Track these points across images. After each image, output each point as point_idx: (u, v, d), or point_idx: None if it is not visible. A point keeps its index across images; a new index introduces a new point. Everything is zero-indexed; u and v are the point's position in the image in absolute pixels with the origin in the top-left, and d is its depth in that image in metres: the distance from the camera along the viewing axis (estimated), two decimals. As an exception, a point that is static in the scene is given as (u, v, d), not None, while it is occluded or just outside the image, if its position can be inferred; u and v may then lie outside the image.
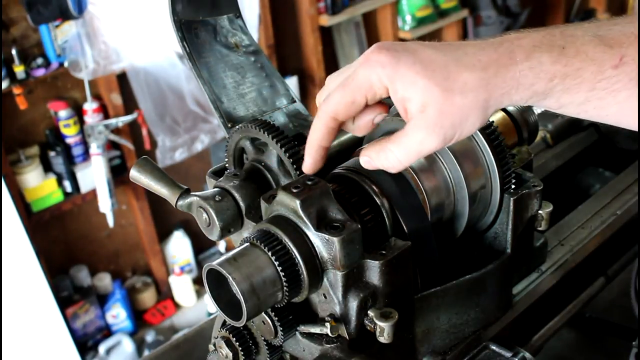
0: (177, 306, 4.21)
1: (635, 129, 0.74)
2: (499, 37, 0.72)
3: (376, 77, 0.71)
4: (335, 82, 0.77)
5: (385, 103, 0.76)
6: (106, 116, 3.54)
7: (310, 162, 0.79)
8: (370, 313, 0.78)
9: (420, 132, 0.70)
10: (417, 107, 0.69)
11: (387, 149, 0.74)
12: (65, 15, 3.05)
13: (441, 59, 0.69)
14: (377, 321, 0.77)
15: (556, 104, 0.72)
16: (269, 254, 0.75)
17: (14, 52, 3.15)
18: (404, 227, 0.84)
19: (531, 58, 0.69)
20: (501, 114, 1.03)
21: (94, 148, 3.42)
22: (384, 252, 0.79)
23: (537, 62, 0.69)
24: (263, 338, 0.86)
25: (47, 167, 3.46)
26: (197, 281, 4.21)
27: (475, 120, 0.71)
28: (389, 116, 0.96)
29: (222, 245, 4.13)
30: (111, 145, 3.60)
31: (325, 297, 0.79)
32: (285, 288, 0.76)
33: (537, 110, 1.41)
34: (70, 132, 3.45)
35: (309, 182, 0.78)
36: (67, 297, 3.72)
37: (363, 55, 0.73)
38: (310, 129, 0.77)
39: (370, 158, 0.77)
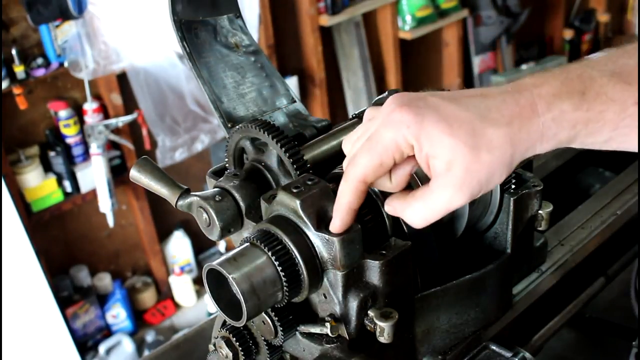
0: (177, 306, 4.21)
1: None
2: (517, 84, 0.71)
3: (402, 137, 0.70)
4: (355, 144, 0.75)
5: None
6: (106, 116, 3.54)
7: (340, 224, 0.76)
8: (370, 313, 0.78)
9: (447, 190, 0.70)
10: (443, 165, 0.69)
11: (412, 205, 0.73)
12: (65, 15, 3.05)
13: (465, 115, 0.69)
14: (377, 321, 0.77)
15: (580, 145, 0.72)
16: (269, 254, 0.75)
17: (14, 52, 3.15)
18: (404, 227, 0.84)
19: (553, 109, 0.68)
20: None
21: (94, 148, 3.42)
22: (384, 252, 0.79)
23: (559, 111, 0.68)
24: (263, 338, 0.86)
25: (47, 167, 3.46)
26: (197, 281, 4.21)
27: (500, 175, 0.70)
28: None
29: (222, 245, 4.13)
30: (111, 145, 3.60)
31: (325, 297, 0.79)
32: (285, 288, 0.76)
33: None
34: (70, 132, 3.45)
35: (309, 182, 0.78)
36: (67, 297, 3.72)
37: (384, 112, 0.72)
38: (339, 191, 0.75)
39: (395, 209, 0.76)
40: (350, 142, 0.77)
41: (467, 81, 5.00)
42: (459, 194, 0.69)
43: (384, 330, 0.77)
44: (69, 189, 3.52)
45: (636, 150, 0.73)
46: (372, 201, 0.84)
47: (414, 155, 0.72)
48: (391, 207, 0.77)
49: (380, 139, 0.71)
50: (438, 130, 0.68)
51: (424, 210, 0.72)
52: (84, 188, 3.55)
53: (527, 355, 0.90)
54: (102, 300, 3.90)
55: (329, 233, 0.75)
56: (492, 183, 0.71)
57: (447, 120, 0.68)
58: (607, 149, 0.74)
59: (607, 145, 0.72)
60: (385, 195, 0.81)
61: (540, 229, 0.97)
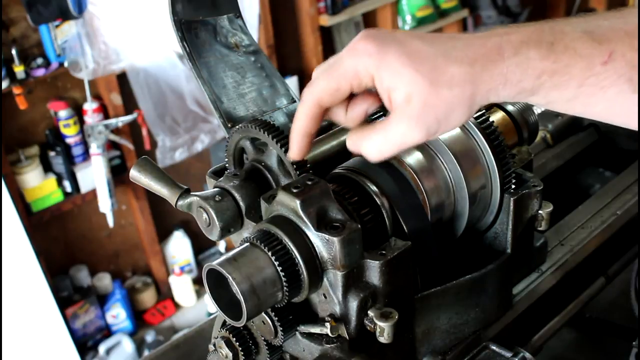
0: (177, 306, 4.21)
1: (624, 126, 0.73)
2: (489, 32, 0.71)
3: (362, 65, 0.70)
4: (318, 70, 0.76)
5: (377, 94, 0.75)
6: (106, 116, 3.54)
7: (296, 149, 0.78)
8: (370, 313, 0.78)
9: (403, 123, 0.70)
10: (402, 97, 0.69)
11: (370, 137, 0.73)
12: (65, 15, 3.05)
13: (429, 50, 0.69)
14: (377, 321, 0.77)
15: (544, 100, 0.72)
16: (269, 254, 0.75)
17: (14, 52, 3.15)
18: (404, 227, 0.84)
19: (519, 54, 0.68)
20: (501, 114, 1.03)
21: (94, 148, 3.42)
22: (384, 252, 0.79)
23: (525, 58, 0.68)
24: (263, 338, 0.86)
25: (47, 167, 3.46)
26: (197, 281, 4.21)
27: (460, 114, 0.70)
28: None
29: (222, 245, 4.13)
30: (111, 145, 3.61)
31: (325, 297, 0.79)
32: (285, 288, 0.76)
33: (537, 110, 1.41)
34: (70, 132, 3.45)
35: (309, 182, 0.78)
36: (67, 297, 3.72)
37: (350, 43, 0.72)
38: (295, 115, 0.76)
39: (354, 142, 0.76)
40: (317, 71, 0.76)
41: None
42: (415, 128, 0.69)
43: (384, 330, 0.77)
44: (68, 189, 3.52)
45: (599, 118, 0.73)
46: (372, 201, 0.84)
47: (373, 94, 0.73)
48: (351, 141, 0.76)
49: (340, 65, 0.71)
50: (399, 63, 0.68)
51: (380, 143, 0.72)
52: (84, 188, 3.55)
53: (527, 355, 0.90)
54: (102, 300, 3.90)
55: (329, 233, 0.75)
56: (451, 122, 0.70)
57: (410, 54, 0.68)
58: (571, 113, 0.73)
59: (571, 105, 0.71)
60: (386, 193, 0.81)
61: (540, 229, 0.97)
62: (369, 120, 0.78)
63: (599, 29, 0.69)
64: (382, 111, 0.80)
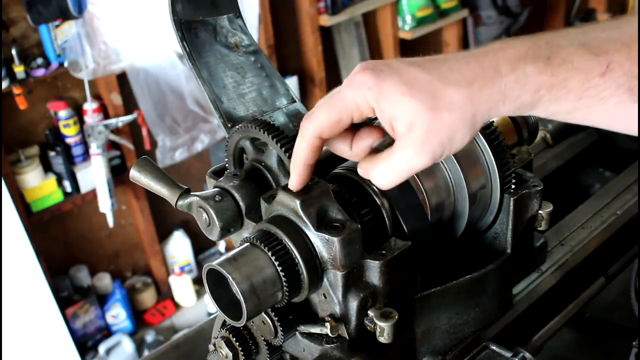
0: (177, 306, 4.21)
1: (625, 132, 0.74)
2: (484, 48, 0.71)
3: (362, 97, 0.70)
4: (318, 103, 0.76)
5: (381, 127, 0.76)
6: (106, 116, 3.54)
7: (297, 181, 0.78)
8: (370, 313, 0.78)
9: (409, 151, 0.70)
10: (404, 126, 0.69)
11: (378, 167, 0.74)
12: (65, 15, 3.05)
13: (426, 77, 0.69)
14: (377, 321, 0.77)
15: (544, 113, 0.72)
16: (269, 254, 0.75)
17: (13, 52, 3.15)
18: (404, 227, 0.84)
19: (516, 70, 0.68)
20: (501, 114, 1.02)
21: (94, 148, 3.42)
22: (384, 252, 0.79)
23: (523, 73, 0.68)
24: (263, 338, 0.86)
25: (47, 167, 3.46)
26: (197, 281, 4.21)
27: (463, 136, 0.71)
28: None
29: (222, 245, 4.13)
30: (111, 145, 3.60)
31: (325, 297, 0.79)
32: (285, 288, 0.76)
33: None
34: (70, 132, 3.45)
35: (309, 182, 0.78)
36: (67, 297, 3.72)
37: (349, 75, 0.73)
38: (294, 147, 0.77)
39: (364, 170, 0.77)
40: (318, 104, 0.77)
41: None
42: (421, 155, 0.70)
43: (384, 330, 0.77)
44: (68, 189, 3.52)
45: (600, 126, 0.74)
46: (372, 201, 0.84)
47: (376, 128, 0.74)
48: (362, 170, 0.77)
49: (340, 97, 0.72)
50: (398, 92, 0.69)
51: (388, 171, 0.73)
52: (84, 188, 3.55)
53: (527, 355, 0.90)
54: (102, 300, 3.90)
55: (329, 233, 0.75)
56: (455, 143, 0.71)
57: (407, 83, 0.69)
58: (573, 122, 0.74)
59: (572, 116, 0.72)
60: (386, 193, 0.80)
61: (540, 229, 0.97)
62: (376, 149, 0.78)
63: (596, 41, 0.69)
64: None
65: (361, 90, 0.70)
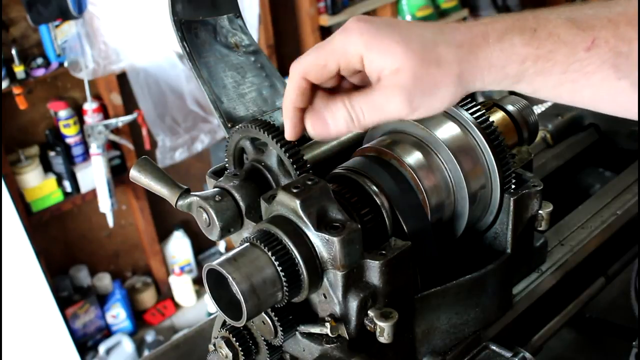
0: (177, 306, 4.21)
1: (613, 113, 0.74)
2: (475, 21, 0.73)
3: (352, 45, 0.71)
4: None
5: None
6: (106, 116, 3.54)
7: (290, 126, 0.78)
8: (370, 313, 0.78)
9: (388, 90, 0.70)
10: (390, 71, 0.70)
11: (354, 100, 0.73)
12: (65, 15, 3.05)
13: (419, 32, 0.71)
14: (377, 321, 0.77)
15: (529, 87, 0.73)
16: (269, 254, 0.75)
17: (13, 52, 3.15)
18: (404, 227, 0.84)
19: (503, 40, 0.70)
20: (501, 114, 1.03)
21: (94, 148, 3.42)
22: (384, 252, 0.79)
23: (509, 44, 0.69)
24: (263, 338, 0.86)
25: (47, 167, 3.46)
26: (197, 281, 4.21)
27: (446, 93, 0.71)
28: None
29: (222, 245, 4.13)
30: (111, 145, 3.61)
31: (325, 297, 0.79)
32: (285, 288, 0.76)
33: (537, 110, 1.41)
34: (70, 132, 3.45)
35: (309, 182, 0.78)
36: (67, 297, 3.72)
37: (342, 26, 0.73)
38: (284, 94, 0.78)
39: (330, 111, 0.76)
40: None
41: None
42: (399, 97, 0.70)
43: (384, 330, 0.77)
44: (68, 189, 3.52)
45: (587, 106, 0.74)
46: (372, 201, 0.84)
47: None
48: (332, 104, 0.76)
49: (330, 41, 0.73)
50: (391, 41, 0.69)
51: (362, 106, 0.73)
52: (84, 188, 3.55)
53: (527, 355, 0.90)
54: (102, 300, 3.90)
55: (329, 233, 0.75)
56: (437, 99, 0.71)
57: (401, 34, 0.70)
58: (559, 101, 0.75)
59: (557, 92, 0.72)
60: (386, 193, 0.80)
61: (540, 229, 0.97)
62: None
63: (583, 17, 0.70)
64: None
65: (352, 36, 0.71)
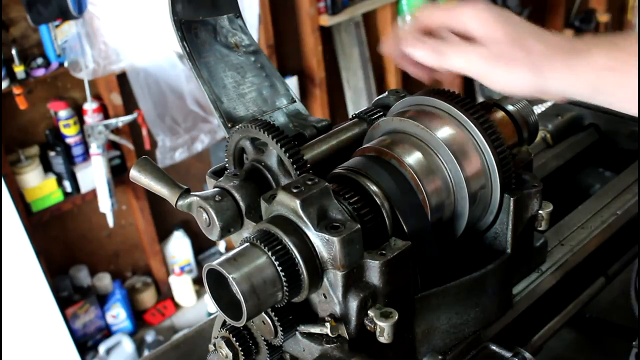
0: (177, 306, 4.21)
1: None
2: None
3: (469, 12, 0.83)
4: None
5: None
6: (106, 116, 3.54)
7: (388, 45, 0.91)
8: (370, 313, 0.78)
9: (482, 49, 0.81)
10: (482, 36, 0.82)
11: (456, 45, 0.84)
12: (65, 15, 3.05)
13: (518, 25, 0.81)
14: (377, 321, 0.77)
15: (608, 99, 0.79)
16: (269, 254, 0.75)
17: (13, 52, 3.15)
18: (404, 227, 0.84)
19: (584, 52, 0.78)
20: (501, 114, 1.03)
21: (94, 148, 3.42)
22: (384, 252, 0.79)
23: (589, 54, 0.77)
24: (263, 338, 0.86)
25: (47, 167, 3.46)
26: (197, 281, 4.21)
27: (523, 77, 0.80)
28: (388, 116, 0.97)
29: (222, 245, 4.13)
30: (111, 145, 3.60)
31: (325, 297, 0.79)
32: (285, 288, 0.76)
33: (537, 110, 1.41)
34: (70, 132, 3.45)
35: (309, 182, 0.78)
36: (67, 297, 3.72)
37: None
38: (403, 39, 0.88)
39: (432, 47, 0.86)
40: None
41: (467, 81, 4.99)
42: (489, 60, 0.81)
43: (384, 330, 0.77)
44: (68, 189, 3.52)
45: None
46: (372, 201, 0.84)
47: None
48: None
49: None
50: (491, 16, 0.82)
51: (461, 56, 0.83)
52: (84, 188, 3.55)
53: (527, 355, 0.90)
54: (102, 300, 3.90)
55: (329, 233, 0.75)
56: (513, 78, 0.81)
57: (504, 18, 0.82)
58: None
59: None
60: (386, 193, 0.81)
61: (540, 229, 0.97)
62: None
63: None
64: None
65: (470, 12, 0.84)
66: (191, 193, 0.88)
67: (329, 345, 0.80)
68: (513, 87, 0.81)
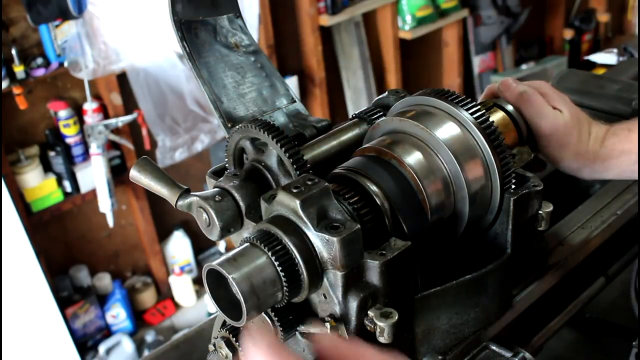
0: (177, 306, 4.21)
1: None
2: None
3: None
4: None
5: None
6: (106, 116, 3.54)
7: None
8: (370, 313, 0.78)
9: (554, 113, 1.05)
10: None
11: (536, 100, 1.04)
12: (65, 15, 3.05)
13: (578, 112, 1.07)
14: (377, 321, 0.77)
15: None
16: (269, 254, 0.75)
17: (13, 52, 3.15)
18: (404, 227, 0.84)
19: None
20: (501, 114, 1.03)
21: (94, 148, 3.42)
22: (384, 252, 0.79)
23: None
24: (263, 338, 0.86)
25: (47, 167, 3.46)
26: (197, 281, 4.21)
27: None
28: (388, 116, 0.97)
29: (222, 245, 4.13)
30: (111, 145, 3.61)
31: (325, 297, 0.79)
32: (285, 288, 0.76)
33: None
34: (70, 132, 3.45)
35: (309, 182, 0.78)
36: (67, 297, 3.72)
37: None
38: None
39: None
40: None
41: (467, 81, 5.00)
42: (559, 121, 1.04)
43: (384, 330, 0.77)
44: (68, 189, 3.52)
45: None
46: (372, 201, 0.84)
47: None
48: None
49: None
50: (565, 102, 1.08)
51: (536, 104, 1.04)
52: (84, 188, 3.55)
53: (527, 355, 0.90)
54: (102, 300, 3.90)
55: (329, 233, 0.75)
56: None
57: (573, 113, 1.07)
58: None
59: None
60: (386, 193, 0.80)
61: (540, 229, 0.97)
62: None
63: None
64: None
65: None
66: (191, 193, 0.88)
67: (329, 345, 0.80)
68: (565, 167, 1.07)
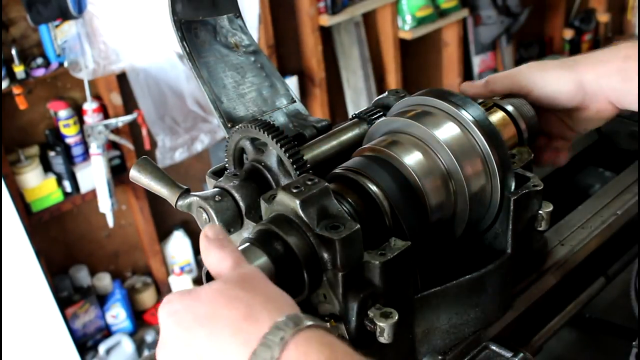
0: (177, 306, 4.20)
1: None
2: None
3: None
4: None
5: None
6: (106, 116, 3.54)
7: None
8: (370, 313, 0.78)
9: None
10: None
11: None
12: (65, 15, 3.05)
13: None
14: (377, 321, 0.77)
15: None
16: (269, 253, 0.75)
17: (13, 52, 3.15)
18: (404, 227, 0.84)
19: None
20: (501, 114, 1.03)
21: (94, 148, 3.42)
22: (384, 252, 0.79)
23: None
24: (263, 338, 0.86)
25: (47, 167, 3.46)
26: (197, 281, 4.20)
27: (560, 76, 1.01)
28: (388, 116, 0.97)
29: (222, 245, 4.12)
30: (111, 145, 3.60)
31: (325, 297, 0.79)
32: (285, 288, 0.75)
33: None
34: (70, 132, 3.44)
35: (309, 182, 0.78)
36: (67, 297, 3.71)
37: None
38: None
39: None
40: None
41: (467, 80, 4.98)
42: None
43: (384, 330, 0.77)
44: (68, 189, 3.52)
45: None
46: (372, 201, 0.84)
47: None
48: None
49: None
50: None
51: None
52: (84, 188, 3.55)
53: (527, 355, 0.90)
54: (102, 300, 3.90)
55: (329, 233, 0.75)
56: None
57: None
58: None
59: None
60: (386, 193, 0.80)
61: (540, 229, 0.97)
62: None
63: None
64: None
65: None
66: (191, 193, 0.88)
67: (329, 345, 0.80)
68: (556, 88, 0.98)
